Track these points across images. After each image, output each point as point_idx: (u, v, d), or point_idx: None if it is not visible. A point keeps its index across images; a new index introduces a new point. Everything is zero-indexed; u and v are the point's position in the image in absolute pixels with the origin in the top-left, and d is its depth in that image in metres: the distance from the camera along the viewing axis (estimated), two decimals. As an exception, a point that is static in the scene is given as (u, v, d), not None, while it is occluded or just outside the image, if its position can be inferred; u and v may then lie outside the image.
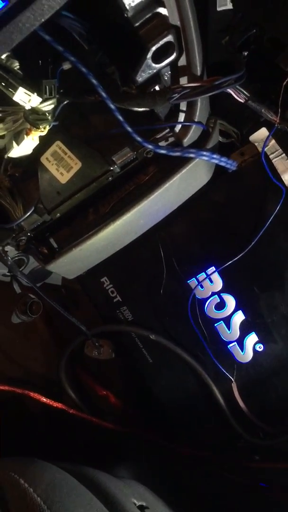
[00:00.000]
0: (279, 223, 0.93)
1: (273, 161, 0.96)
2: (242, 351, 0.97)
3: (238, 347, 0.97)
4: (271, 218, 0.92)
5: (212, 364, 0.98)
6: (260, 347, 0.97)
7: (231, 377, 0.98)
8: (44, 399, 1.06)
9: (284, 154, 0.98)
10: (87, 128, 0.81)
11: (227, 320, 0.97)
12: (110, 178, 0.78)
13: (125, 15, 0.57)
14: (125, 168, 0.79)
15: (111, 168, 0.77)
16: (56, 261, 0.79)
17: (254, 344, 0.97)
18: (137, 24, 0.60)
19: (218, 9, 0.92)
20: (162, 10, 0.60)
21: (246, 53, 0.98)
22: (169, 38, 0.61)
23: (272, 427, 0.99)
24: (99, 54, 0.73)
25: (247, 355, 0.97)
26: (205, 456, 1.04)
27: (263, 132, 0.96)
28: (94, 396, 1.15)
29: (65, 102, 0.74)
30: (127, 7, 0.56)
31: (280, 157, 0.97)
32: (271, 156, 0.96)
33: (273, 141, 0.96)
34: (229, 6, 0.81)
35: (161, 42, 0.61)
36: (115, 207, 0.80)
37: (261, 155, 0.85)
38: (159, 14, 0.60)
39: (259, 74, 0.95)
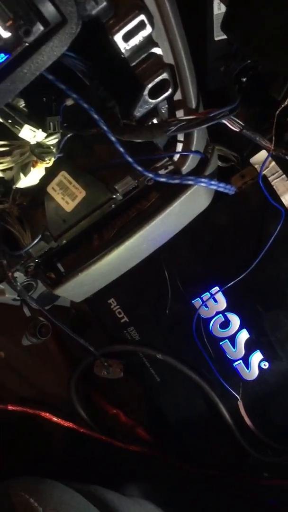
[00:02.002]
0: (280, 243, 0.95)
1: (272, 182, 0.98)
2: (247, 369, 0.99)
3: (243, 365, 0.99)
4: (272, 238, 0.95)
5: (218, 382, 1.00)
6: (265, 365, 0.98)
7: (237, 395, 0.99)
8: (55, 419, 1.09)
9: (284, 175, 1.00)
10: (90, 158, 0.85)
11: (232, 339, 0.99)
12: (113, 205, 0.82)
13: (122, 56, 0.61)
14: (127, 196, 0.82)
15: (114, 196, 0.80)
16: (63, 285, 0.83)
17: (259, 362, 0.99)
18: (133, 64, 0.63)
19: (216, 38, 0.96)
20: (157, 50, 0.63)
21: (244, 79, 1.02)
22: (164, 75, 0.64)
23: (280, 444, 1.00)
24: (100, 89, 0.77)
25: (252, 373, 0.99)
26: (214, 474, 1.05)
27: (263, 155, 0.99)
28: (104, 415, 1.17)
29: (69, 135, 0.79)
30: (123, 50, 0.59)
31: (280, 178, 1.00)
32: (271, 178, 0.99)
33: (273, 163, 0.99)
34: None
35: (157, 80, 0.64)
36: (119, 233, 0.83)
37: (259, 178, 0.88)
38: (154, 53, 0.63)
39: (257, 99, 0.99)
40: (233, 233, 1.00)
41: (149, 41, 0.62)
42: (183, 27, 0.68)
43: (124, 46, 0.59)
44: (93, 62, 0.74)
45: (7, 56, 0.50)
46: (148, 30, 0.59)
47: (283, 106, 0.74)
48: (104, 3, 0.55)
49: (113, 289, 1.01)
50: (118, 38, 0.58)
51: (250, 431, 1.00)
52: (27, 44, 0.50)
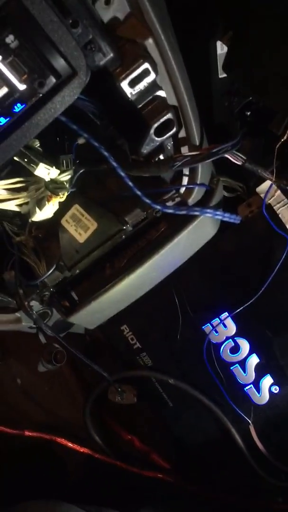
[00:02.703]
0: (286, 269, 0.98)
1: (278, 211, 1.02)
2: (258, 393, 1.01)
3: (254, 389, 1.01)
4: (279, 264, 0.98)
5: (229, 407, 1.02)
6: (276, 389, 1.00)
7: (248, 419, 1.01)
8: (71, 444, 1.11)
9: (288, 204, 1.04)
10: (102, 191, 0.89)
11: (242, 363, 1.02)
12: (123, 236, 0.86)
13: (129, 100, 0.66)
14: (137, 227, 0.86)
15: (124, 227, 0.85)
16: (77, 313, 0.86)
17: (270, 386, 1.01)
18: (140, 106, 0.68)
19: (220, 76, 1.01)
20: (161, 93, 0.68)
21: (248, 113, 1.07)
22: (169, 116, 0.69)
23: (293, 468, 1.01)
24: (110, 128, 0.82)
25: (263, 397, 1.01)
26: (227, 499, 1.06)
27: (268, 184, 1.03)
28: (119, 441, 1.19)
29: (81, 171, 0.83)
30: (129, 95, 0.64)
31: (285, 206, 1.03)
32: (276, 206, 1.02)
33: (278, 192, 1.02)
34: (229, 74, 0.90)
35: (162, 120, 0.69)
36: (130, 262, 0.87)
37: (263, 208, 0.92)
38: (159, 96, 0.68)
39: (261, 131, 1.03)
40: (241, 260, 1.03)
41: (154, 86, 0.67)
42: (187, 68, 0.73)
43: (130, 91, 0.64)
44: (103, 103, 0.79)
45: (23, 105, 0.55)
46: (152, 76, 0.64)
47: (282, 140, 0.78)
48: (111, 55, 0.60)
49: (125, 316, 1.04)
50: (124, 84, 0.63)
51: (262, 455, 1.01)
52: (41, 95, 0.55)
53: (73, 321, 0.88)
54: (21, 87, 0.54)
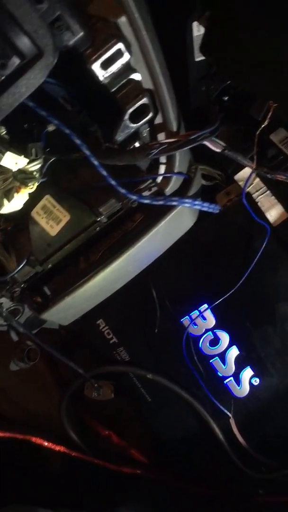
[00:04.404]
0: (266, 259, 0.96)
1: (257, 199, 0.99)
2: (238, 386, 0.99)
3: (234, 382, 0.99)
4: (258, 255, 0.95)
5: (209, 400, 1.00)
6: (256, 381, 0.98)
7: (229, 413, 0.99)
8: (46, 443, 1.08)
9: (268, 192, 1.01)
10: (75, 181, 0.85)
11: (222, 356, 0.99)
12: (98, 228, 0.82)
13: (101, 83, 0.61)
14: (112, 218, 0.82)
15: (98, 219, 0.80)
16: (50, 309, 0.82)
17: (250, 378, 0.99)
18: (113, 90, 0.64)
19: (197, 59, 0.96)
20: (136, 76, 0.64)
21: (226, 98, 1.03)
22: (144, 100, 0.65)
23: (274, 460, 1.00)
24: (82, 114, 0.77)
25: (243, 389, 0.99)
26: (208, 493, 1.05)
27: (247, 171, 1.00)
28: (97, 437, 1.16)
29: (52, 160, 0.79)
30: (101, 78, 0.60)
31: (264, 194, 1.01)
32: (255, 195, 1.00)
33: (257, 180, 0.99)
34: (205, 56, 0.86)
35: (137, 105, 0.65)
36: (105, 255, 0.83)
37: (242, 197, 0.89)
38: (133, 79, 0.64)
39: (240, 117, 1.00)
40: (220, 250, 1.00)
41: (128, 68, 0.62)
42: (162, 50, 0.69)
43: (102, 74, 0.60)
44: (74, 87, 0.74)
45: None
46: (126, 57, 0.59)
47: (263, 126, 0.75)
48: (81, 33, 0.55)
49: (101, 309, 1.01)
50: (96, 66, 0.58)
51: (243, 448, 0.99)
52: (3, 77, 0.50)
53: (46, 318, 0.84)
54: (-19, 68, 0.49)
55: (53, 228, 0.82)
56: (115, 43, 0.57)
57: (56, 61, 0.54)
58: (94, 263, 0.83)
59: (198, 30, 0.92)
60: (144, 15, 0.59)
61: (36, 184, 0.78)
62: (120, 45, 0.58)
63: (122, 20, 0.58)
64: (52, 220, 0.82)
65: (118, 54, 0.58)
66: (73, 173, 0.85)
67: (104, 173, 0.73)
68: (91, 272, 0.83)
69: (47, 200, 0.83)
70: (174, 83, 0.77)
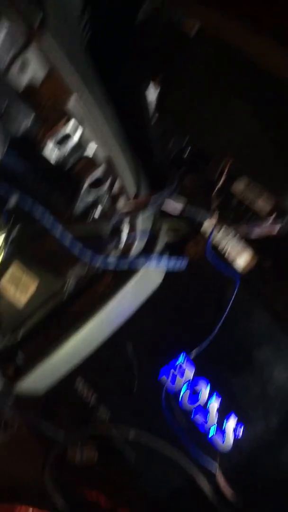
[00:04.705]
0: (238, 307, 0.97)
1: (224, 249, 1.01)
2: (222, 438, 0.97)
3: (218, 434, 0.98)
4: (230, 303, 0.96)
5: (194, 455, 0.98)
6: (239, 432, 0.97)
7: (214, 467, 0.97)
8: (31, 510, 1.04)
9: (235, 239, 1.03)
10: (42, 246, 0.85)
11: (204, 409, 0.98)
12: (66, 293, 0.82)
13: (56, 160, 0.63)
14: (81, 282, 0.82)
15: (67, 284, 0.81)
16: (23, 381, 0.81)
17: (234, 429, 0.97)
18: (70, 164, 0.65)
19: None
20: (91, 148, 0.66)
21: (187, 152, 1.05)
22: (100, 172, 0.67)
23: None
24: (43, 185, 0.78)
25: (227, 441, 0.97)
26: None
27: (213, 221, 1.01)
28: (83, 499, 1.12)
29: (17, 230, 0.79)
30: (55, 156, 0.61)
31: (231, 242, 1.02)
32: (222, 244, 1.01)
33: (223, 229, 1.01)
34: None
35: (94, 176, 0.67)
36: (75, 319, 0.83)
37: (206, 252, 0.90)
38: (88, 152, 0.66)
39: (201, 167, 1.02)
40: (193, 301, 1.01)
41: (82, 142, 0.64)
42: (118, 117, 0.71)
43: (56, 152, 0.62)
44: (35, 161, 0.76)
45: None
46: (78, 133, 0.61)
47: (219, 183, 0.77)
48: (32, 118, 0.57)
49: (79, 369, 0.99)
50: (49, 145, 0.60)
51: (230, 503, 0.97)
52: None
53: (19, 390, 0.82)
54: None
55: (22, 296, 0.82)
56: (67, 122, 0.59)
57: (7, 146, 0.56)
58: (65, 328, 0.83)
59: (153, 95, 0.95)
60: (94, 91, 0.62)
61: (2, 254, 0.78)
62: (72, 122, 0.60)
63: (72, 99, 0.60)
64: (21, 287, 0.82)
65: (71, 131, 0.60)
66: (39, 240, 0.86)
67: (68, 241, 0.73)
68: (63, 338, 0.82)
69: (15, 267, 0.83)
70: (136, 146, 0.79)
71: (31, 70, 0.54)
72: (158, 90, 0.90)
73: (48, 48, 0.52)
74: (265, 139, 0.67)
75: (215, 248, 1.00)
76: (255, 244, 1.03)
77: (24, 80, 0.55)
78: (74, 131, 0.61)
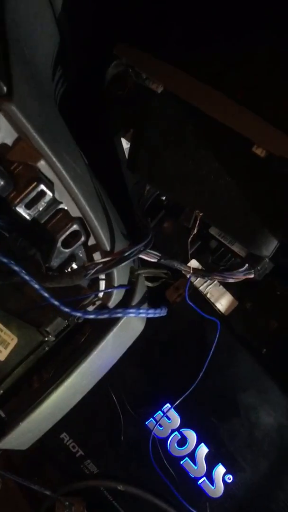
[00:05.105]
0: (221, 351, 0.97)
1: (205, 291, 1.02)
2: (212, 485, 0.96)
3: (207, 482, 0.96)
4: (213, 348, 0.96)
5: (184, 503, 0.96)
6: (229, 478, 0.96)
7: (206, 514, 0.95)
8: None
9: (216, 281, 1.04)
10: (20, 301, 0.85)
11: (192, 456, 0.97)
12: (46, 348, 0.82)
13: (28, 220, 0.64)
14: (60, 336, 0.83)
15: (46, 338, 0.81)
16: (5, 438, 0.80)
17: (223, 476, 0.96)
18: (42, 221, 0.67)
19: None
20: (63, 206, 0.67)
21: (164, 197, 1.08)
22: (74, 227, 0.68)
23: None
24: (20, 240, 0.79)
25: (218, 489, 0.96)
26: None
27: (193, 263, 1.03)
28: None
29: (-6, 286, 0.80)
30: (28, 217, 0.63)
31: (212, 285, 1.03)
32: (203, 287, 1.03)
33: (201, 274, 1.02)
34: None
35: (67, 232, 0.68)
36: (57, 373, 0.83)
37: (185, 298, 0.90)
38: (61, 209, 0.67)
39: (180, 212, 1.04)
40: (176, 347, 1.01)
41: (53, 202, 0.65)
42: (96, 165, 0.73)
43: (27, 213, 0.63)
44: (9, 218, 0.77)
45: None
46: (49, 195, 0.63)
47: (193, 233, 0.79)
48: (1, 183, 0.58)
49: (63, 423, 0.98)
50: (20, 209, 0.61)
51: None
52: None
53: (3, 447, 0.81)
54: None
55: (1, 353, 0.81)
56: (36, 186, 0.61)
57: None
58: (47, 382, 0.82)
59: (127, 143, 0.98)
60: (63, 155, 0.63)
61: (-20, 311, 0.78)
62: (41, 187, 0.61)
63: (41, 163, 0.61)
64: (0, 344, 0.82)
65: (41, 194, 0.62)
66: (18, 292, 0.86)
67: (46, 295, 0.73)
68: (45, 393, 0.81)
69: (-7, 325, 0.83)
70: (113, 191, 0.81)
71: (3, 131, 0.56)
72: (128, 145, 0.93)
73: (14, 118, 0.54)
74: (233, 193, 0.69)
75: (195, 292, 1.01)
76: (235, 286, 1.04)
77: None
78: (44, 194, 0.62)
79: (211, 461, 0.97)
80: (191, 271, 0.80)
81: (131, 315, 0.80)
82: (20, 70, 0.58)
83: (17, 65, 0.57)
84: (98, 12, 0.74)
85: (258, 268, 0.79)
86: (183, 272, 1.00)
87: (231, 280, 0.81)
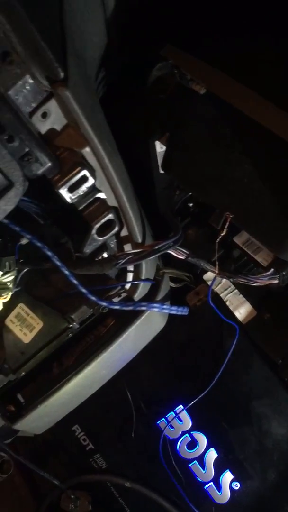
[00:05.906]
0: (237, 358, 0.98)
1: (225, 298, 1.03)
2: (219, 491, 0.96)
3: (214, 487, 0.97)
4: (229, 354, 0.97)
5: (190, 505, 0.96)
6: (236, 485, 0.96)
7: (211, 519, 0.95)
8: None
9: (236, 290, 1.06)
10: (47, 288, 0.88)
11: (201, 459, 0.98)
12: (70, 334, 0.84)
13: (68, 203, 0.67)
14: (84, 324, 0.85)
15: (71, 325, 0.83)
16: (23, 419, 0.82)
17: (230, 483, 0.96)
18: (80, 208, 0.69)
19: (161, 171, 1.05)
20: (101, 195, 0.70)
21: (191, 204, 1.11)
22: (109, 216, 0.71)
23: None
24: (53, 228, 0.83)
25: (224, 495, 0.96)
26: None
27: (210, 276, 1.05)
28: None
29: (25, 270, 0.83)
30: (69, 200, 0.65)
31: (232, 293, 1.05)
32: (223, 294, 1.04)
33: (224, 279, 1.04)
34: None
35: (103, 221, 0.70)
36: (78, 360, 0.84)
37: (208, 299, 0.92)
38: (99, 198, 0.70)
39: (205, 220, 1.07)
40: (192, 350, 1.02)
41: (93, 189, 0.68)
42: (127, 169, 0.76)
43: (69, 196, 0.66)
44: (46, 204, 0.80)
45: None
46: (90, 182, 0.66)
47: (221, 234, 0.81)
48: (49, 164, 0.61)
49: (76, 415, 0.99)
50: (63, 191, 0.64)
51: None
52: (-24, 207, 0.55)
53: (19, 428, 0.83)
54: None
55: (26, 336, 0.83)
56: (80, 171, 0.63)
57: (26, 188, 0.60)
58: (68, 369, 0.84)
59: (161, 147, 1.02)
60: (106, 144, 0.66)
61: (10, 294, 0.81)
62: (84, 172, 0.64)
63: (86, 150, 0.64)
64: (25, 327, 0.84)
65: (83, 179, 0.64)
66: (46, 280, 0.89)
67: (75, 281, 0.76)
68: (64, 379, 0.83)
69: (20, 308, 0.85)
70: (142, 194, 0.84)
71: (53, 117, 0.59)
72: (164, 148, 0.96)
73: (67, 103, 0.57)
74: (266, 197, 0.72)
75: (216, 297, 1.03)
76: (255, 296, 1.06)
77: (45, 127, 0.60)
78: (86, 179, 0.65)
79: (220, 467, 0.97)
80: (216, 274, 0.82)
81: (155, 309, 0.82)
82: (74, 60, 0.62)
83: (71, 55, 0.60)
84: (144, 13, 0.77)
85: (284, 273, 0.81)
86: (207, 274, 1.03)
87: (255, 284, 0.83)
